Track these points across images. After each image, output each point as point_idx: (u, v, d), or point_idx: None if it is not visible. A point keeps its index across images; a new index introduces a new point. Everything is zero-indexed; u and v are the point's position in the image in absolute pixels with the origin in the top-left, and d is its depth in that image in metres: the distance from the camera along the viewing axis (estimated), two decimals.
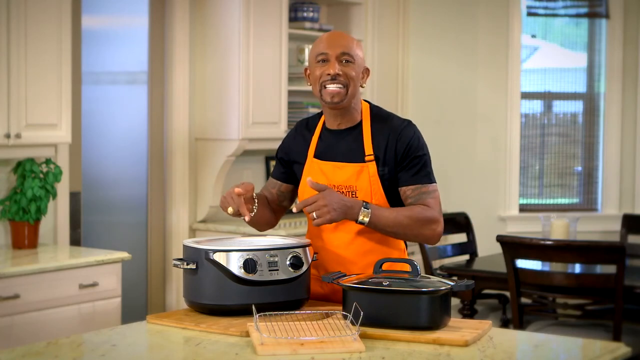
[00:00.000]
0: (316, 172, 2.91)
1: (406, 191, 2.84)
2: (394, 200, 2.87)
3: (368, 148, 2.85)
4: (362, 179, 2.84)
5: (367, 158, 2.85)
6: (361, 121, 2.90)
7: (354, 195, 2.83)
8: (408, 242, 3.01)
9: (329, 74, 2.82)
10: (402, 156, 2.83)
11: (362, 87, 2.91)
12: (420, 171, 2.84)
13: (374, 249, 2.88)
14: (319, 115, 3.00)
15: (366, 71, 2.92)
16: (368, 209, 2.76)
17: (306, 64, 5.73)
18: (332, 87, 2.82)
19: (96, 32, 5.11)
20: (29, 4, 4.17)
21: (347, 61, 2.84)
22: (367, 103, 2.95)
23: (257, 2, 5.25)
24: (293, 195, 3.07)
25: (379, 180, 2.84)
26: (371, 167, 2.84)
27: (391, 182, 2.85)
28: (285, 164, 3.03)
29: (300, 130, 3.02)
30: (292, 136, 3.04)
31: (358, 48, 2.88)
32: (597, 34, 6.90)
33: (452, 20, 6.65)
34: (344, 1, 6.03)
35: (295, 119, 5.65)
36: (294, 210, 2.79)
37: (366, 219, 2.77)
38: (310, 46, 5.72)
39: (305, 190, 2.92)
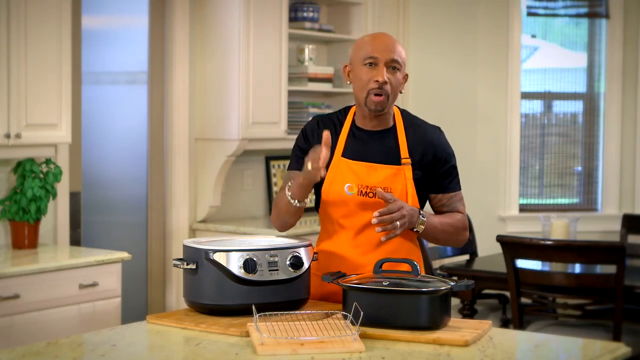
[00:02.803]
0: (346, 171, 2.85)
1: (442, 199, 2.91)
2: (422, 203, 2.90)
3: (404, 151, 2.85)
4: (398, 181, 2.83)
5: (403, 161, 2.84)
6: (394, 124, 2.89)
7: None
8: None
9: (377, 81, 2.78)
10: (441, 164, 2.88)
11: (400, 92, 2.87)
12: (454, 179, 2.94)
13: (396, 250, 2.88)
14: (344, 112, 2.94)
15: (405, 77, 2.88)
16: (424, 217, 2.79)
17: (306, 63, 5.74)
18: (378, 97, 2.79)
19: (96, 32, 5.11)
20: (29, 4, 4.17)
21: (394, 68, 2.81)
22: (396, 107, 2.93)
23: (257, 2, 5.25)
24: (315, 190, 2.92)
25: (414, 184, 2.85)
26: (407, 171, 2.84)
27: (422, 186, 2.88)
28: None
29: (325, 124, 2.91)
30: (314, 128, 2.91)
31: (404, 52, 2.85)
32: (597, 34, 6.90)
33: (452, 20, 6.64)
34: (344, 1, 6.03)
35: (295, 119, 5.64)
36: (375, 221, 2.68)
37: (422, 227, 2.79)
38: (311, 46, 5.80)
39: (330, 190, 2.84)
